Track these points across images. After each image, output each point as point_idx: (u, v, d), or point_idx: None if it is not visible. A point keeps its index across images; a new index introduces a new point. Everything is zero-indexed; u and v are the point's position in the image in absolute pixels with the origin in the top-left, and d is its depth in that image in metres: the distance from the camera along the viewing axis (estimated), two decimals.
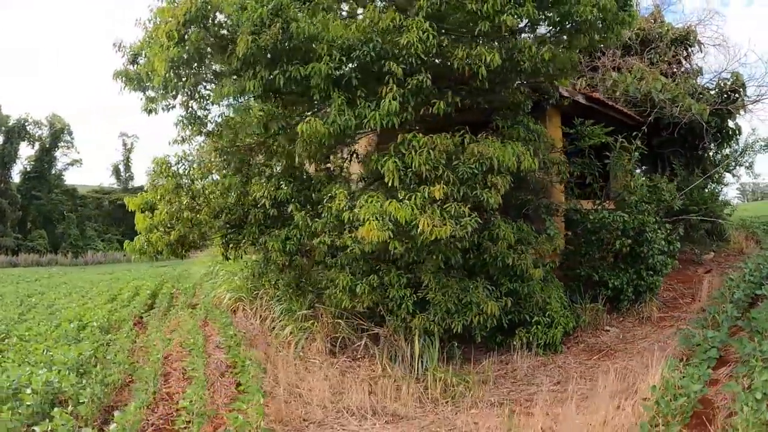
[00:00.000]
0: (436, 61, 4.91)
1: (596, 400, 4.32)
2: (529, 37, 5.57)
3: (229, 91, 4.75)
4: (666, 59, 10.09)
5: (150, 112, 6.66)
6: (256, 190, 5.93)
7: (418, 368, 5.38)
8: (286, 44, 4.67)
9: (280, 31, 4.55)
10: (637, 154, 7.27)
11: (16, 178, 29.93)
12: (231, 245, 7.17)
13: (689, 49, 10.32)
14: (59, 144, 30.49)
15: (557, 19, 5.25)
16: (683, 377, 4.04)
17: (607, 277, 6.76)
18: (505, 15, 4.66)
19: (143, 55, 6.17)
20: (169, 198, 6.28)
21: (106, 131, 73.67)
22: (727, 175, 10.49)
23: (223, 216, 6.32)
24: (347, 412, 4.75)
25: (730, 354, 4.73)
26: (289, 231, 5.75)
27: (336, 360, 6.04)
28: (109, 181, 36.86)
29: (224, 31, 5.03)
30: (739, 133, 9.35)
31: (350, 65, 4.67)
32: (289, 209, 5.71)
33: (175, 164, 6.52)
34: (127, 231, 34.93)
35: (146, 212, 7.22)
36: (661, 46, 10.12)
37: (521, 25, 5.42)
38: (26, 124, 29.65)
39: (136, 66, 6.46)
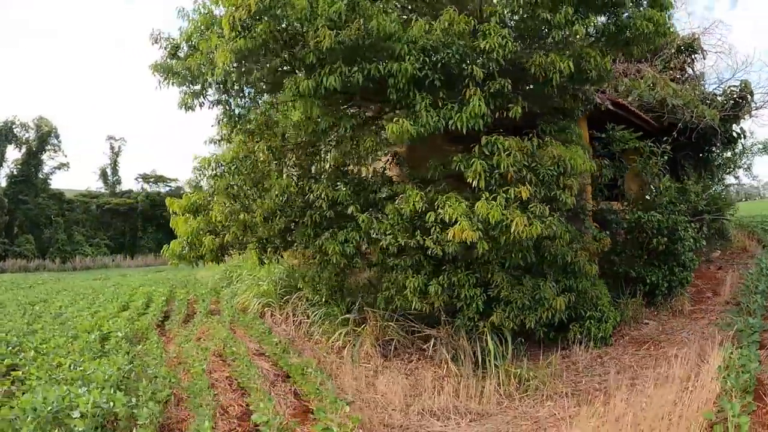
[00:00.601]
0: (510, 67, 5.06)
1: (662, 384, 4.57)
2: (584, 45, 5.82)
3: (306, 87, 4.68)
4: (671, 66, 10.69)
5: (188, 108, 6.56)
6: (313, 190, 5.89)
7: (487, 365, 5.50)
8: (365, 41, 4.70)
9: (361, 27, 4.59)
10: (665, 157, 7.69)
11: (2, 182, 28.91)
12: (270, 249, 7.12)
13: (693, 56, 10.95)
14: (46, 147, 29.57)
15: (614, 30, 5.52)
16: (740, 357, 4.37)
17: (644, 273, 7.12)
18: (577, 25, 4.89)
19: (193, 47, 6.01)
20: (222, 199, 6.17)
21: (91, 134, 70.73)
22: (726, 176, 11.17)
23: (277, 218, 6.26)
24: (428, 414, 4.81)
25: (765, 339, 5.17)
26: (347, 233, 5.79)
27: (390, 363, 6.08)
28: (96, 185, 35.71)
29: (297, 24, 4.93)
30: (745, 137, 10.03)
31: (430, 67, 4.76)
32: (349, 210, 5.74)
33: (227, 164, 6.37)
34: (115, 235, 34.05)
35: (188, 215, 7.10)
36: (667, 54, 10.72)
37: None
38: (13, 126, 28.62)
39: (176, 60, 6.32)
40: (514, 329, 5.53)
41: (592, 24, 4.97)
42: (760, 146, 10.53)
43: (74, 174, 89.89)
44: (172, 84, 6.40)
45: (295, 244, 6.37)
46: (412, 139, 4.72)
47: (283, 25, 5.04)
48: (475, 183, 4.88)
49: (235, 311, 9.06)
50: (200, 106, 6.52)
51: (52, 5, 69.89)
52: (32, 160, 28.77)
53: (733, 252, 10.46)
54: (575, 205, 7.06)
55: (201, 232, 6.55)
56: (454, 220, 4.71)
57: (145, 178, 36.14)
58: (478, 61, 4.78)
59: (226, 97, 6.47)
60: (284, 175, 6.22)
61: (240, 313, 8.92)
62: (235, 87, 5.59)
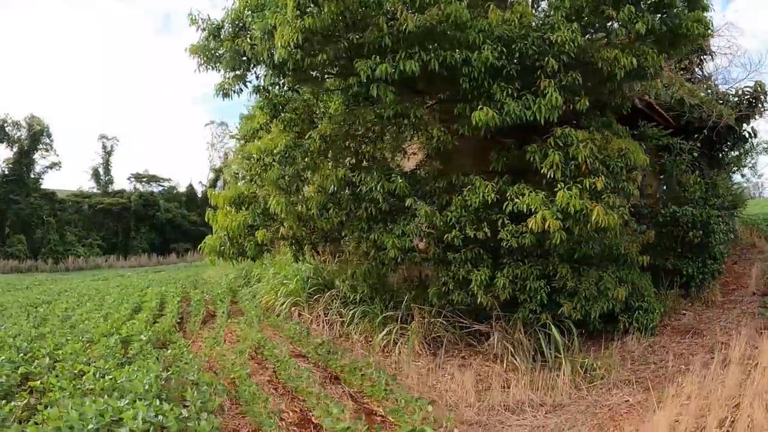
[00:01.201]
0: (574, 61, 5.12)
1: (721, 368, 4.71)
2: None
3: (383, 71, 4.55)
4: (683, 66, 11.06)
5: (225, 95, 6.37)
6: (368, 182, 5.73)
7: (547, 357, 5.54)
8: (440, 27, 4.66)
9: (442, 12, 4.56)
10: (694, 154, 7.94)
11: None
12: (307, 246, 6.94)
13: (702, 57, 11.35)
14: (38, 146, 28.69)
15: (664, 30, 5.65)
16: None
17: (681, 265, 7.33)
18: (639, 23, 5.00)
19: (241, 27, 5.75)
20: (273, 191, 5.93)
21: (84, 132, 67.96)
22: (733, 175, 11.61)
23: (330, 210, 6.12)
24: (502, 408, 4.81)
25: None
26: (404, 226, 5.72)
27: (441, 361, 6.01)
28: (88, 184, 34.81)
29: (362, 9, 4.77)
30: (755, 136, 10.45)
31: (508, 57, 4.76)
32: (407, 203, 5.69)
33: (278, 153, 5.93)
34: (108, 236, 32.81)
35: (228, 208, 6.87)
36: (680, 54, 11.07)
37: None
38: (5, 125, 27.64)
39: (217, 41, 6.01)
40: (577, 320, 5.58)
41: (650, 23, 5.07)
42: (766, 145, 10.99)
43: (66, 173, 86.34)
44: (213, 68, 6.17)
45: (347, 238, 6.23)
46: (488, 128, 4.70)
47: (352, 6, 4.84)
48: (550, 174, 4.93)
49: (261, 312, 8.81)
50: (239, 93, 6.36)
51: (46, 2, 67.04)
52: (24, 159, 27.97)
53: (743, 248, 10.88)
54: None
55: (246, 227, 6.34)
56: (532, 210, 4.75)
57: (138, 177, 35.08)
58: (549, 53, 4.82)
59: (277, 79, 6.15)
60: (340, 166, 6.04)
61: (265, 314, 8.69)
62: (292, 70, 5.21)
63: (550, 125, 5.04)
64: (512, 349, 5.75)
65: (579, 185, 4.89)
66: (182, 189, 38.49)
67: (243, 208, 6.55)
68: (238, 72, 6.05)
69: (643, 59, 5.37)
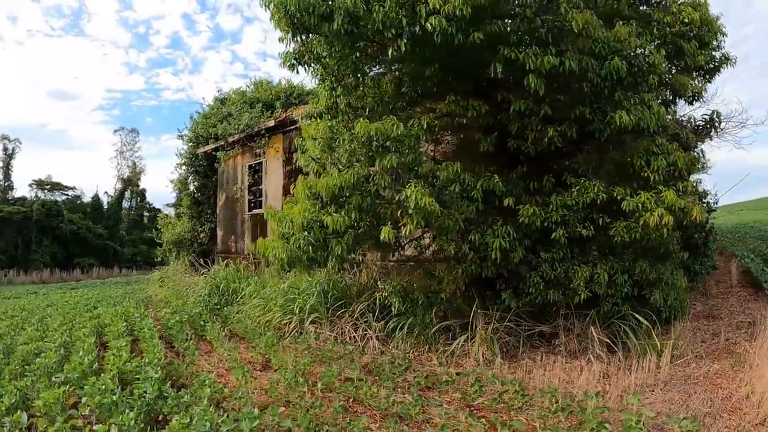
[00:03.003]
0: None
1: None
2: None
3: (544, 63, 4.45)
4: None
5: (292, 67, 5.62)
6: (468, 179, 5.38)
7: (630, 346, 5.73)
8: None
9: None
10: None
11: None
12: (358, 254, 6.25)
13: None
14: None
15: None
16: None
17: (688, 263, 8.31)
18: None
19: None
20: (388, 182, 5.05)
21: None
22: None
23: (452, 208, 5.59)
24: (624, 393, 4.87)
25: None
26: (500, 226, 5.44)
27: (520, 363, 5.87)
28: None
29: None
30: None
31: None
32: (506, 203, 5.54)
33: (409, 137, 5.15)
34: (6, 248, 26.11)
35: (310, 202, 5.78)
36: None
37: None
38: None
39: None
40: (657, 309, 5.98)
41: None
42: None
43: None
44: (303, 29, 5.09)
45: (441, 240, 5.76)
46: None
47: None
48: (653, 177, 5.26)
49: (271, 333, 7.54)
50: (306, 66, 5.57)
51: None
52: None
53: None
54: None
55: (346, 226, 5.36)
56: (646, 207, 4.98)
57: (40, 184, 29.31)
58: (650, 72, 5.19)
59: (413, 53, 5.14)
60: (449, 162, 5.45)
61: (276, 335, 7.26)
62: (439, 45, 4.51)
63: (646, 133, 5.41)
64: (589, 343, 5.91)
65: (674, 187, 5.30)
66: (87, 199, 33.46)
67: (334, 207, 5.57)
68: (342, 40, 5.01)
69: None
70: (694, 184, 6.80)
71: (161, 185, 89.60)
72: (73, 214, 29.10)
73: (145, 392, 4.07)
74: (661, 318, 6.39)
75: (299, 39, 5.18)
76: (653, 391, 4.84)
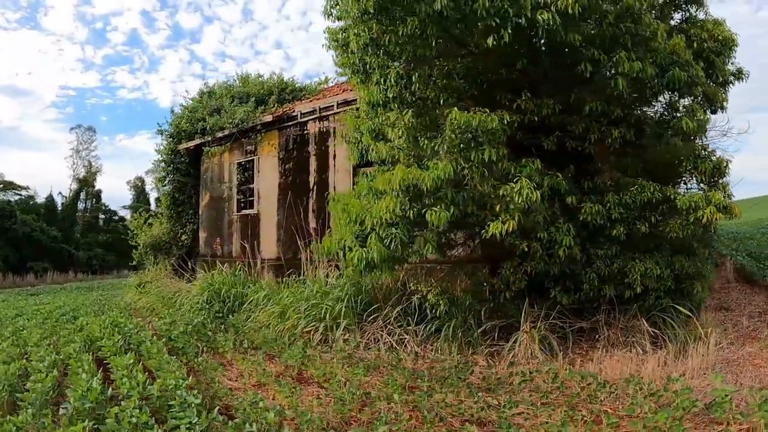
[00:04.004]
0: None
1: None
2: None
3: (635, 68, 4.59)
4: None
5: (365, 47, 5.20)
6: (536, 177, 5.28)
7: (668, 336, 5.93)
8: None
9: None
10: None
11: None
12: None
13: None
14: None
15: None
16: None
17: None
18: None
19: None
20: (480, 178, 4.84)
21: None
22: None
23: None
24: (686, 377, 4.97)
25: None
26: (566, 224, 5.42)
27: (570, 358, 5.88)
28: None
29: None
30: None
31: None
32: (568, 200, 5.48)
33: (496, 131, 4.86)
34: None
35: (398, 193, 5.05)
36: None
37: None
38: None
39: None
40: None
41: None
42: None
43: None
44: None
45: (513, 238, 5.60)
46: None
47: None
48: (699, 178, 5.69)
49: (298, 342, 6.85)
50: (378, 51, 5.18)
51: None
52: None
53: None
54: None
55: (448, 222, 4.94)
56: (698, 206, 5.18)
57: None
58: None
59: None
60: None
61: (300, 344, 6.73)
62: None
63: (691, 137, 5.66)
64: (634, 335, 6.00)
65: (715, 187, 5.62)
66: (41, 200, 30.79)
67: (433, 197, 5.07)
68: (434, 24, 4.68)
69: None
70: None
71: (116, 187, 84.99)
72: (26, 215, 26.51)
73: (192, 423, 3.43)
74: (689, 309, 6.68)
75: (381, 19, 4.79)
76: (705, 373, 4.99)
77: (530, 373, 5.04)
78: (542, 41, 4.45)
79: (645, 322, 6.03)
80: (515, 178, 4.76)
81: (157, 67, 77.93)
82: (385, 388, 4.76)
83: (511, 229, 4.56)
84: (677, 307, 6.28)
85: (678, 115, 5.85)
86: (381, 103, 5.30)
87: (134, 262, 16.86)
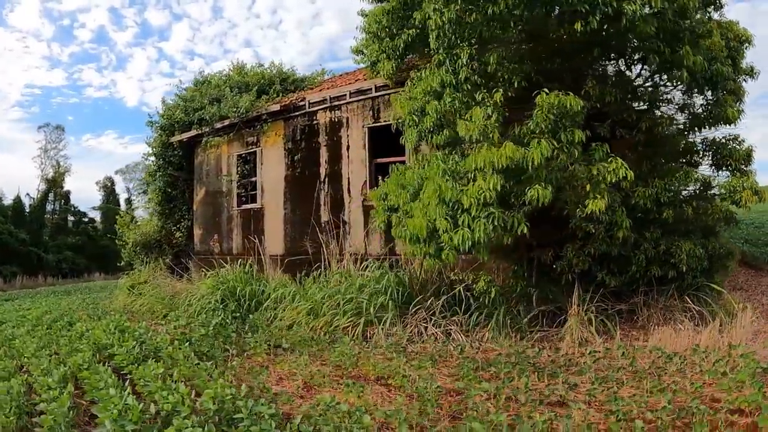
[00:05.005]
0: None
1: None
2: None
3: (697, 61, 4.80)
4: None
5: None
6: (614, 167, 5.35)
7: (708, 312, 6.20)
8: None
9: None
10: None
11: None
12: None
13: None
14: None
15: None
16: None
17: None
18: None
19: None
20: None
21: None
22: None
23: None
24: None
25: None
26: (621, 208, 5.57)
27: (611, 341, 5.98)
28: None
29: None
30: None
31: None
32: (623, 185, 5.54)
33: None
34: None
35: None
36: None
37: None
38: None
39: None
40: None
41: None
42: None
43: None
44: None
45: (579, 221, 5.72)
46: None
47: None
48: (734, 164, 6.06)
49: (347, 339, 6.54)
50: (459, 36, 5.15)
51: None
52: None
53: None
54: None
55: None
56: (737, 189, 5.65)
57: None
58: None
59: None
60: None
61: (346, 340, 6.44)
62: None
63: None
64: (672, 314, 6.21)
65: (744, 174, 6.03)
66: (8, 201, 28.83)
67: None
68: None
69: None
70: None
71: (84, 188, 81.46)
72: None
73: None
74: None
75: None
76: (747, 343, 5.22)
77: (597, 352, 5.09)
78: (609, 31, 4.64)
79: (689, 300, 6.26)
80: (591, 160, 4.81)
81: (125, 65, 75.36)
82: (459, 380, 4.63)
83: (603, 208, 4.60)
84: (711, 285, 6.53)
85: (718, 106, 6.06)
86: (453, 84, 5.17)
87: (122, 263, 15.95)
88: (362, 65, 10.68)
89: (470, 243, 4.74)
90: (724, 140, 6.54)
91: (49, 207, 33.75)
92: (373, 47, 7.84)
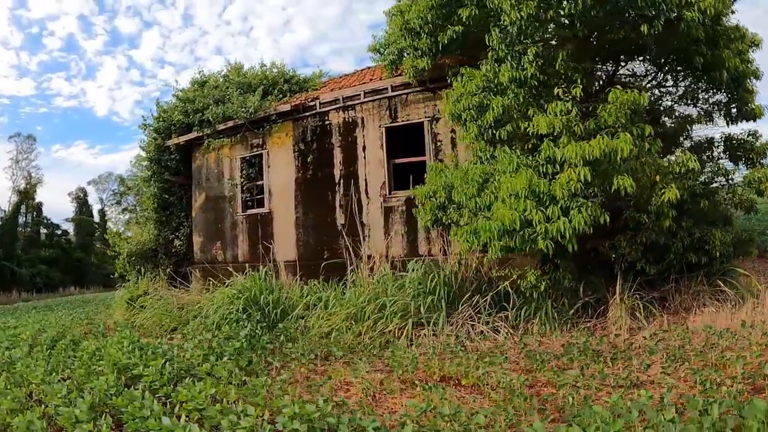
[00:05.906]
0: None
1: None
2: None
3: (737, 63, 5.14)
4: None
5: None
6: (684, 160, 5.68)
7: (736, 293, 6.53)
8: None
9: None
10: None
11: None
12: None
13: None
14: None
15: None
16: None
17: None
18: None
19: None
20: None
21: None
22: None
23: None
24: None
25: None
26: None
27: (664, 323, 6.14)
28: None
29: None
30: None
31: None
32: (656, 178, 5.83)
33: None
34: None
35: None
36: None
37: None
38: None
39: None
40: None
41: None
42: None
43: None
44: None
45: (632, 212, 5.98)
46: None
47: None
48: (755, 158, 6.50)
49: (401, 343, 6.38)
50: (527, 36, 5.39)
51: None
52: None
53: None
54: None
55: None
56: (761, 180, 6.07)
57: None
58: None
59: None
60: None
61: (400, 344, 6.30)
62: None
63: None
64: (701, 298, 6.52)
65: (763, 166, 6.58)
66: None
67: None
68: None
69: None
70: None
71: (54, 200, 77.80)
72: None
73: None
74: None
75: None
76: None
77: (655, 335, 5.25)
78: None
79: (720, 283, 6.47)
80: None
81: (95, 73, 72.32)
82: (530, 372, 4.62)
83: (676, 197, 4.73)
84: (736, 269, 6.81)
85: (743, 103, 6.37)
86: (519, 80, 5.11)
87: (116, 275, 15.12)
88: (372, 64, 10.51)
89: (570, 232, 4.69)
90: (743, 136, 6.92)
91: (21, 219, 31.82)
92: (399, 44, 7.71)
